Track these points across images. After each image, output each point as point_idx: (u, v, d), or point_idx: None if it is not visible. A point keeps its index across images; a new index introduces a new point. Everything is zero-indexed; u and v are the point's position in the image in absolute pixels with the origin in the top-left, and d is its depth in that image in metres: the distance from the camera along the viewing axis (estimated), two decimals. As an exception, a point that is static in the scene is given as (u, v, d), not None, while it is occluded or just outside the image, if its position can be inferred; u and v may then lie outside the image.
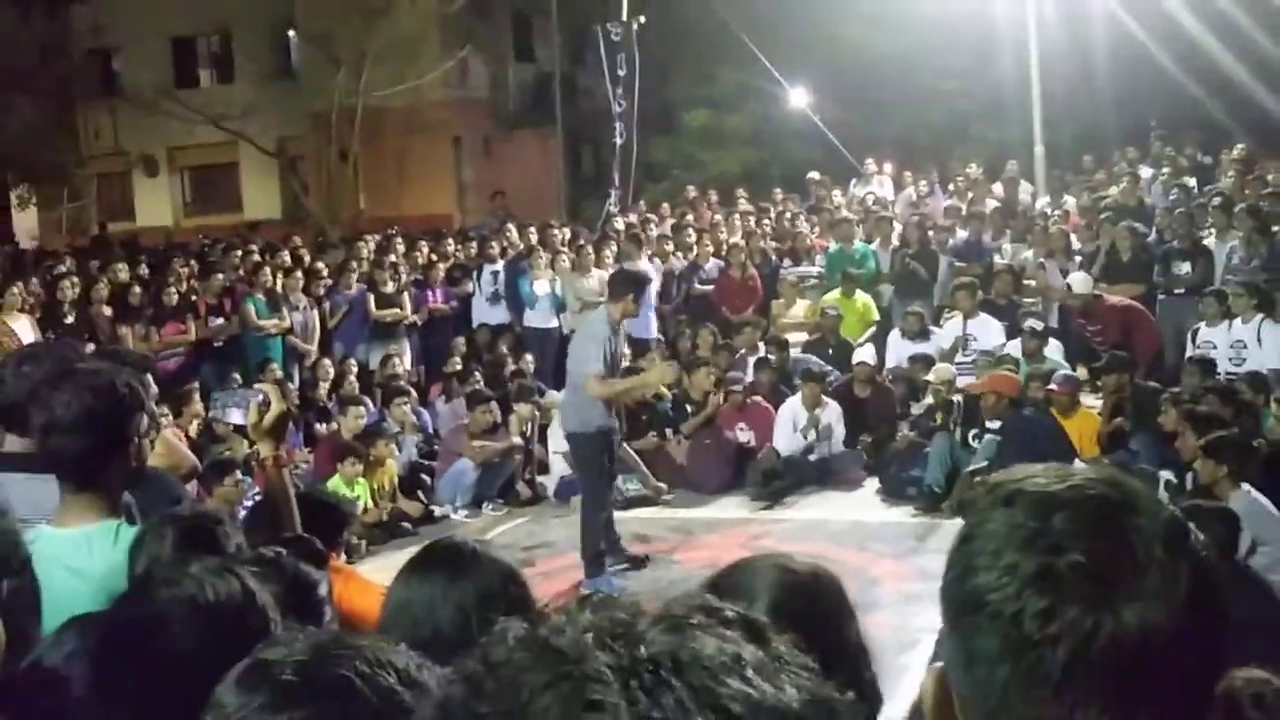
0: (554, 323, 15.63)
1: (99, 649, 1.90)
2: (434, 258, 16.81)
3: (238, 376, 12.92)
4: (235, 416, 4.19)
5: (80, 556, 3.06)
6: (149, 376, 4.03)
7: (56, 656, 1.93)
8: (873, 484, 11.96)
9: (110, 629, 1.95)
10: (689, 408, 12.88)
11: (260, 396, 3.79)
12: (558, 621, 0.93)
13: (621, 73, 22.48)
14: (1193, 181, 17.81)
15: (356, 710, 1.54)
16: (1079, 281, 13.48)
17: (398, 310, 15.29)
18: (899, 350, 13.85)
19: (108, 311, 13.65)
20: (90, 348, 12.10)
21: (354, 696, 1.55)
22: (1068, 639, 1.09)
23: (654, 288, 16.01)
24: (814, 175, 21.77)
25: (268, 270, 14.91)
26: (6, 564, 1.66)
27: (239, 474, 8.82)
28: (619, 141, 22.66)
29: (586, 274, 15.36)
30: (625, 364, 10.40)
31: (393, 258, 16.23)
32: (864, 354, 13.27)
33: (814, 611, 2.05)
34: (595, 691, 0.87)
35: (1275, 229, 14.09)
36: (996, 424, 11.14)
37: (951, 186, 20.14)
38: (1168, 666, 1.09)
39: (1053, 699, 1.10)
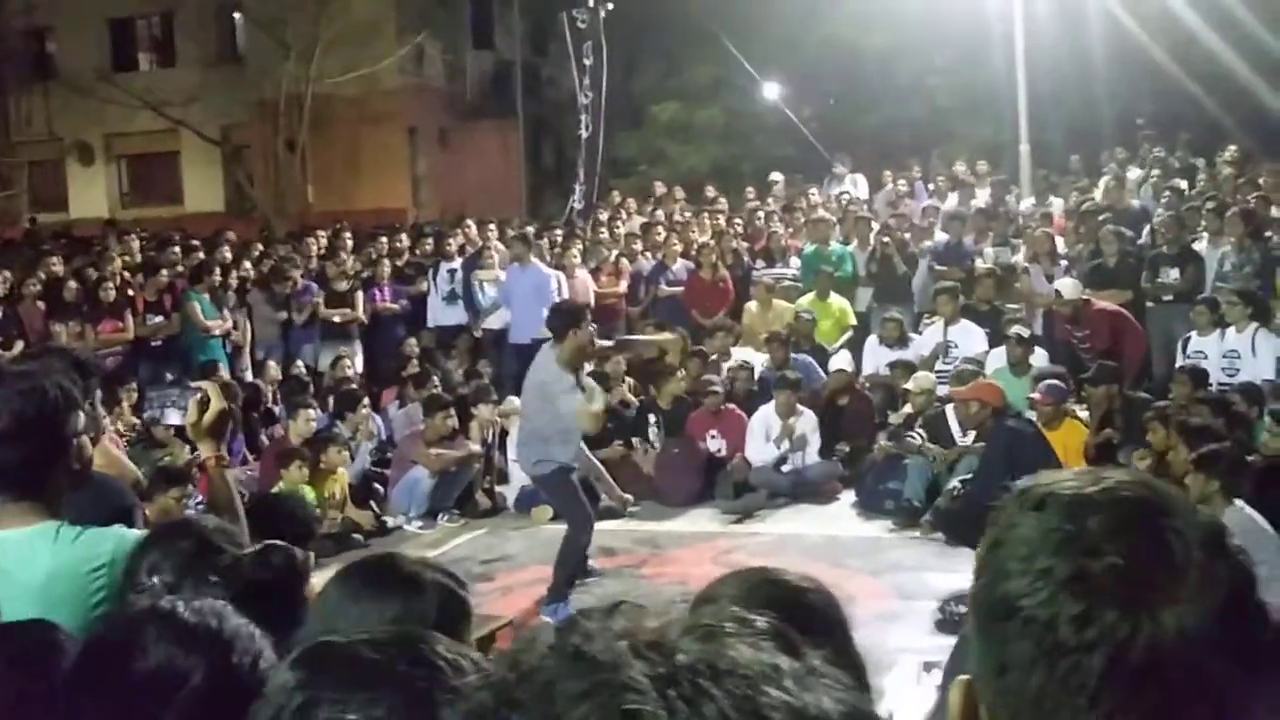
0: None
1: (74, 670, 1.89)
2: (382, 254, 16.72)
3: (168, 375, 12.74)
4: (173, 417, 4.12)
5: (20, 558, 3.05)
6: (93, 378, 3.97)
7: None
8: (849, 497, 11.96)
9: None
10: (651, 416, 12.87)
11: (199, 394, 3.73)
12: (589, 628, 0.94)
13: (588, 62, 22.46)
14: (1184, 183, 17.90)
15: (427, 700, 1.50)
16: (1068, 287, 13.32)
17: (349, 310, 15.23)
18: (877, 357, 13.83)
19: (40, 307, 13.53)
20: (19, 346, 12.10)
21: (436, 684, 1.51)
22: (1105, 644, 1.10)
23: (623, 286, 16.10)
24: (776, 176, 21.75)
25: (217, 268, 14.84)
26: None
27: (186, 485, 8.67)
28: (585, 134, 22.61)
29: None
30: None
31: (344, 254, 16.14)
32: (840, 360, 13.28)
33: (814, 629, 2.04)
34: (633, 701, 0.88)
35: (1269, 234, 14.14)
36: (970, 435, 11.21)
37: (932, 186, 20.19)
38: (1206, 671, 1.10)
39: (1089, 706, 1.10)
